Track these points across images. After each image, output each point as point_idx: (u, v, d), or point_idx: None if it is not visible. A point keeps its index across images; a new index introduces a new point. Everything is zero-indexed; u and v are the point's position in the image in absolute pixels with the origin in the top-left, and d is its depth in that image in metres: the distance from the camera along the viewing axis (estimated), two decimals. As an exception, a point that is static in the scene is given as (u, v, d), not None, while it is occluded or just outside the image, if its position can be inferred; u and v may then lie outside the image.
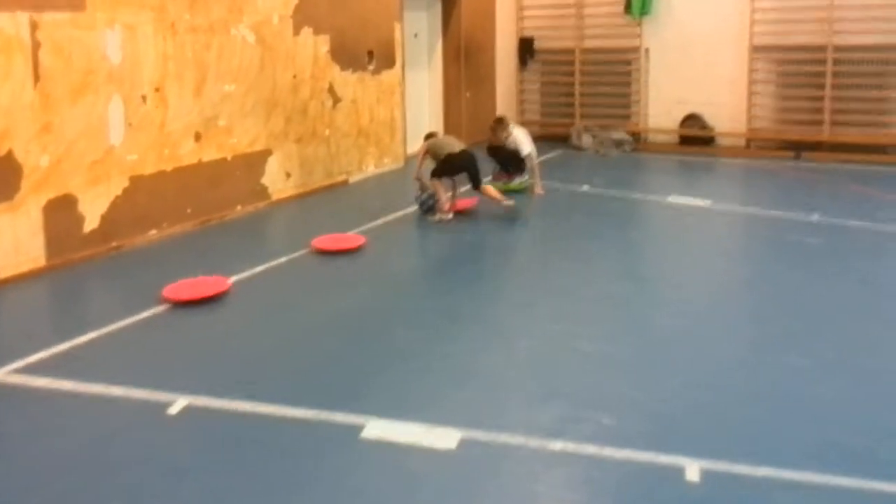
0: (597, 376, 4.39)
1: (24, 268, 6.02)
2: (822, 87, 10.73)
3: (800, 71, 11.00)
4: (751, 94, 11.22)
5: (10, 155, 5.87)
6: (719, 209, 8.23)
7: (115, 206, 6.66)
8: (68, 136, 6.26)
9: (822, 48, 10.66)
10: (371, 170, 9.90)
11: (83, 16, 6.32)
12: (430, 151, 7.94)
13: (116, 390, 4.21)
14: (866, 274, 6.14)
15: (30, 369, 4.49)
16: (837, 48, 10.60)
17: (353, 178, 9.56)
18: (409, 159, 10.37)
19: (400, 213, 7.97)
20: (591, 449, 3.59)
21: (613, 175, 9.98)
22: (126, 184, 6.75)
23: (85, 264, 6.36)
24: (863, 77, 10.62)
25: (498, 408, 4.02)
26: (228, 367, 4.56)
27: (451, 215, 7.70)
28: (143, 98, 6.84)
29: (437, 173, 7.72)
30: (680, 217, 8.09)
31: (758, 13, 11.00)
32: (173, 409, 3.99)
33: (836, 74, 10.65)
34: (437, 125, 11.68)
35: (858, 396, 4.09)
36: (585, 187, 9.19)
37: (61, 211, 6.24)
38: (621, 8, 11.71)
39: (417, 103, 11.40)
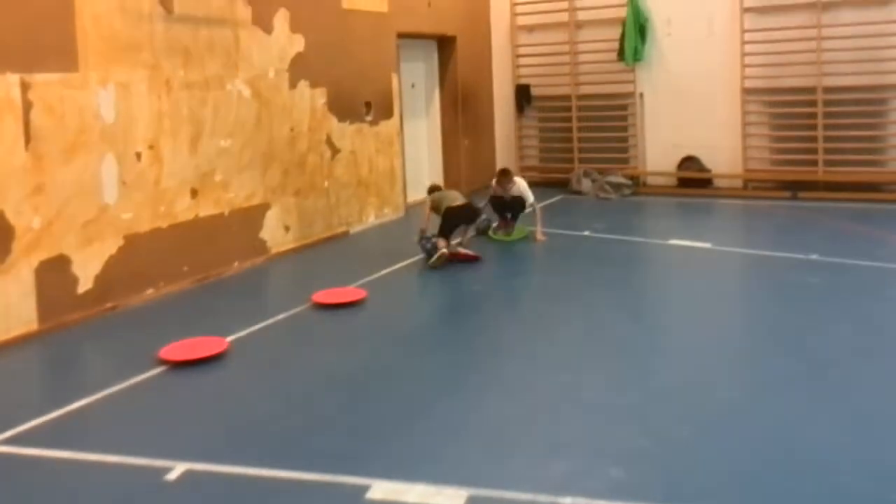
0: (603, 427, 4.29)
1: (16, 332, 5.89)
2: (814, 127, 10.77)
3: (792, 112, 11.04)
4: (745, 136, 11.23)
5: (1, 217, 5.79)
6: (720, 251, 8.18)
7: (109, 265, 6.57)
8: (61, 197, 6.19)
9: (811, 90, 10.73)
10: (371, 220, 9.85)
11: (76, 76, 6.29)
12: (433, 206, 8.13)
13: (112, 458, 4.07)
14: (867, 313, 6.05)
15: (21, 439, 4.34)
16: (827, 89, 10.67)
17: (353, 230, 9.50)
18: (409, 209, 10.37)
19: (401, 265, 7.88)
20: (600, 503, 3.50)
21: (614, 219, 9.95)
22: (121, 243, 6.67)
23: (79, 327, 6.24)
24: (853, 117, 10.69)
25: (505, 463, 3.91)
26: (228, 429, 4.42)
27: (446, 250, 7.71)
28: (138, 155, 6.80)
29: (441, 232, 7.84)
30: (681, 260, 8.03)
31: (748, 57, 11.06)
32: (172, 475, 3.86)
33: (826, 115, 10.69)
34: (436, 173, 11.72)
35: (864, 439, 4.02)
36: (587, 232, 9.14)
37: (54, 273, 6.14)
38: (614, 55, 11.77)
39: (416, 152, 11.39)
